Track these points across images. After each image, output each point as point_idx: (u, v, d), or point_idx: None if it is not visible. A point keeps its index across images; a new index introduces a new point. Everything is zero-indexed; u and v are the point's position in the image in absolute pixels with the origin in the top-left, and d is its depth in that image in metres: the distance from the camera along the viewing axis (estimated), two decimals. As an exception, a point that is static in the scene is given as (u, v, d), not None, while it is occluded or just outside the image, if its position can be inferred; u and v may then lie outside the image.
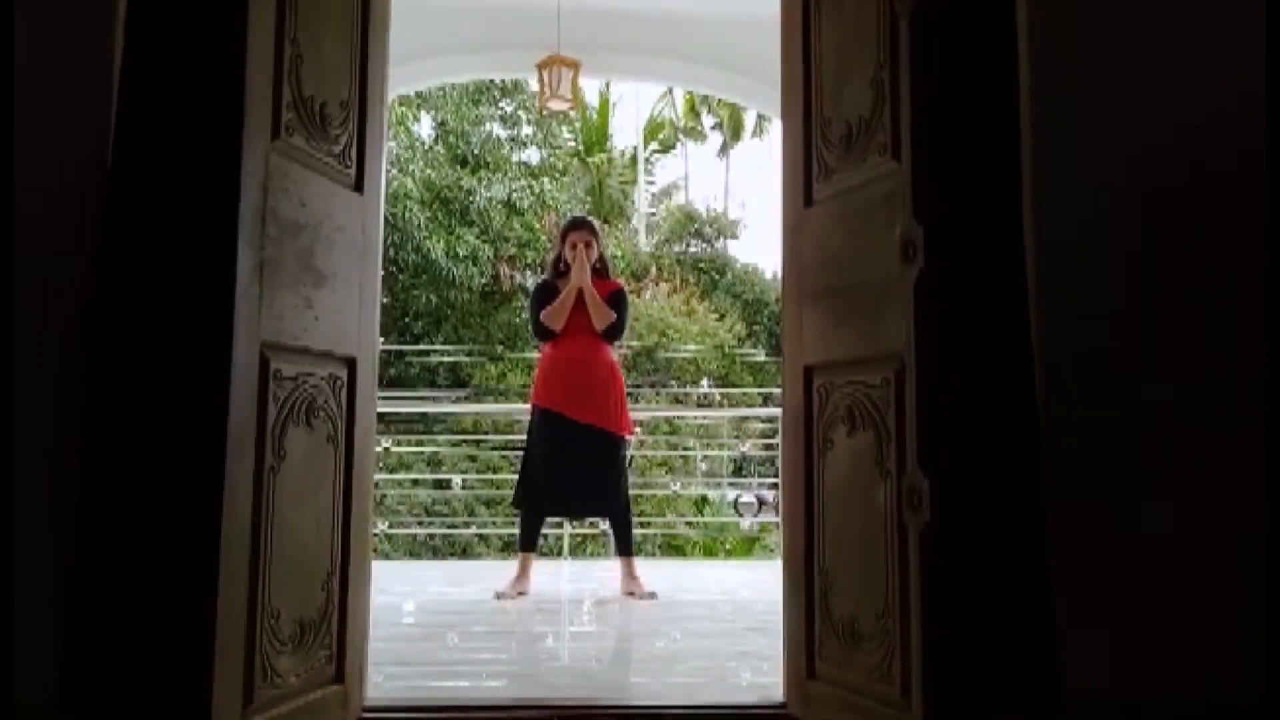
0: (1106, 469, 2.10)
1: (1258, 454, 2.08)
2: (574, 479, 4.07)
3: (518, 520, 4.28)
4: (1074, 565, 2.00)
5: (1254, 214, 2.12)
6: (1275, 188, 2.10)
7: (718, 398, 12.52)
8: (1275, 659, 2.00)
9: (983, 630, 1.84)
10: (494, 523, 8.55)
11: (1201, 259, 2.14)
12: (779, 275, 2.54)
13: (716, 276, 15.29)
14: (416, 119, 13.34)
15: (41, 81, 2.02)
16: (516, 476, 4.46)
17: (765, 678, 2.72)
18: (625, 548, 4.19)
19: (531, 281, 13.09)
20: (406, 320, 12.78)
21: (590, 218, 4.95)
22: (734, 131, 19.57)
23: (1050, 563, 1.87)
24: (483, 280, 12.62)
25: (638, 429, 6.97)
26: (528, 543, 4.19)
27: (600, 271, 4.23)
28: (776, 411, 4.57)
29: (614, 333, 4.16)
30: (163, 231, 1.80)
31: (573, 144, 16.52)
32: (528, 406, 4.33)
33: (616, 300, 4.18)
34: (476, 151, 13.27)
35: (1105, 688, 2.01)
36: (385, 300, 11.41)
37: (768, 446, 9.07)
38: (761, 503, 8.40)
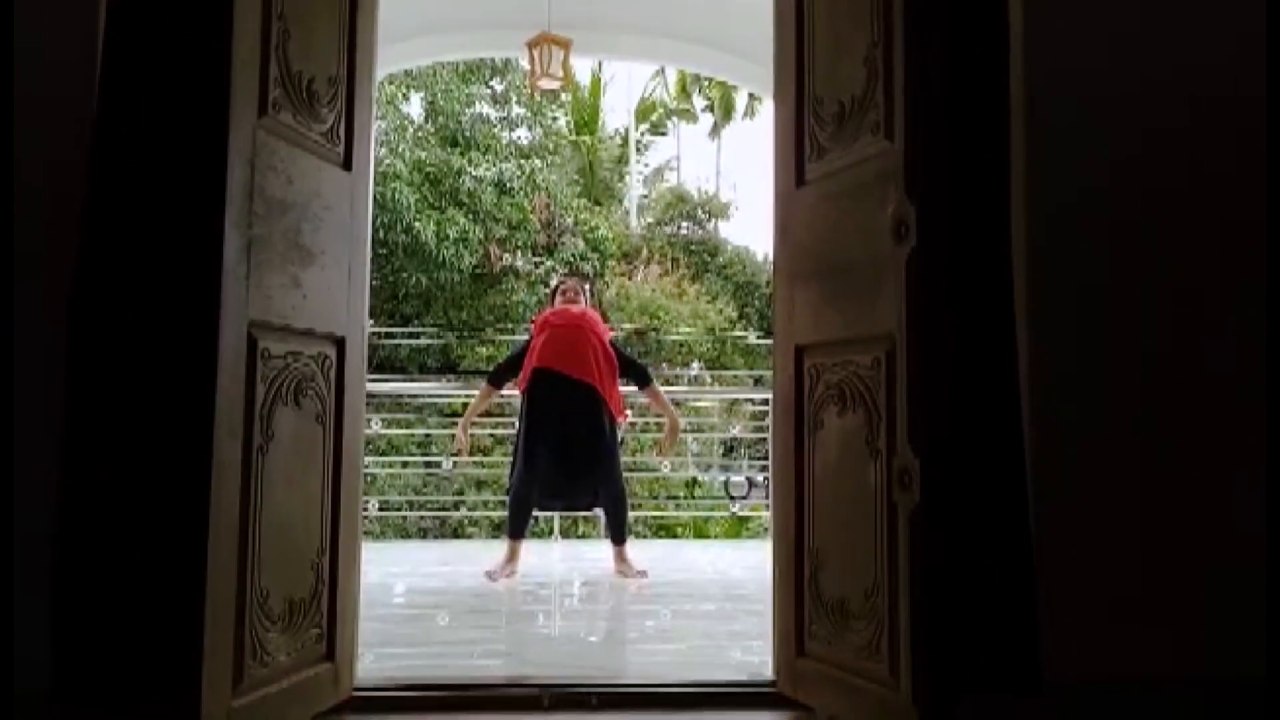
0: (1095, 448, 2.11)
1: (1258, 435, 2.09)
2: (566, 465, 4.06)
3: (507, 503, 4.26)
4: (1061, 547, 2.02)
5: (1255, 207, 2.12)
6: (1275, 180, 2.10)
7: (709, 380, 12.52)
8: (1274, 643, 2.02)
9: (969, 609, 1.86)
10: (484, 504, 8.56)
11: (1197, 242, 2.14)
12: (770, 257, 2.53)
13: (708, 258, 15.24)
14: (406, 98, 13.20)
15: (22, 54, 1.98)
16: (509, 459, 4.46)
17: (755, 656, 2.75)
18: (619, 536, 4.18)
19: (522, 262, 13.06)
20: (396, 302, 12.70)
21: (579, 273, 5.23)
22: (725, 112, 19.46)
23: (1032, 542, 1.88)
24: (473, 262, 12.53)
25: (628, 411, 6.96)
26: (517, 532, 4.17)
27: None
28: (767, 394, 4.57)
29: (646, 378, 4.34)
30: (148, 210, 1.78)
31: (564, 124, 16.42)
32: (517, 390, 4.31)
33: (619, 352, 4.29)
34: (467, 132, 13.14)
35: (1092, 670, 2.03)
36: (374, 281, 11.30)
37: (758, 429, 9.07)
38: (752, 484, 8.42)
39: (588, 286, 4.58)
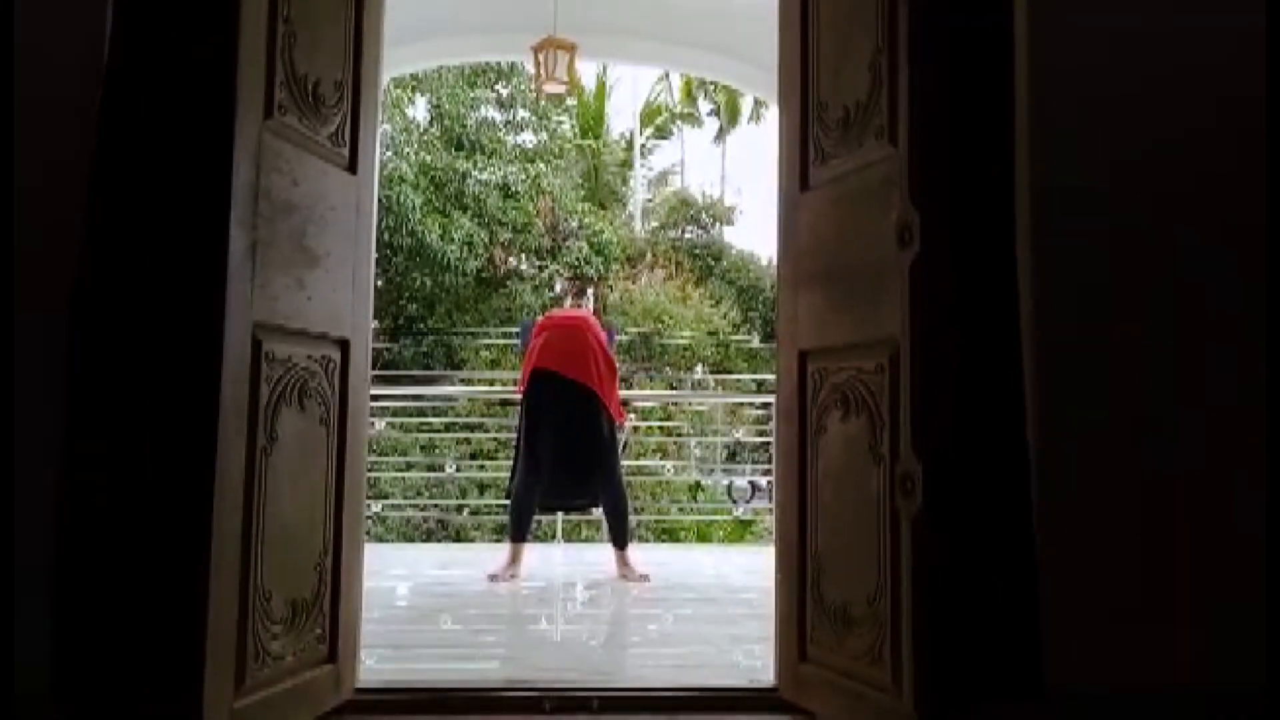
0: (1098, 454, 2.10)
1: (1258, 443, 2.08)
2: (566, 467, 4.06)
3: (508, 507, 4.26)
4: (1064, 553, 2.01)
5: (1255, 213, 2.11)
6: (1275, 183, 2.10)
7: (712, 384, 12.52)
8: (1274, 651, 2.01)
9: (972, 616, 1.85)
10: (487, 506, 8.56)
11: (1201, 245, 2.13)
12: (774, 261, 2.53)
13: (712, 263, 15.24)
14: (411, 102, 13.22)
15: (26, 55, 1.98)
16: (510, 462, 4.46)
17: (757, 661, 2.74)
18: (620, 540, 4.17)
19: (526, 265, 13.07)
20: (400, 303, 12.74)
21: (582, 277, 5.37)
22: (730, 117, 19.48)
23: (1035, 550, 1.88)
24: (477, 264, 12.56)
25: (631, 415, 6.97)
26: (518, 535, 4.16)
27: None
28: (771, 398, 4.57)
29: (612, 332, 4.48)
30: (153, 211, 1.78)
31: (569, 128, 16.43)
32: (520, 391, 4.32)
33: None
34: (472, 135, 13.17)
35: (1094, 677, 2.02)
36: (379, 283, 11.36)
37: (761, 433, 9.07)
38: (755, 488, 8.41)
39: (590, 291, 4.59)
